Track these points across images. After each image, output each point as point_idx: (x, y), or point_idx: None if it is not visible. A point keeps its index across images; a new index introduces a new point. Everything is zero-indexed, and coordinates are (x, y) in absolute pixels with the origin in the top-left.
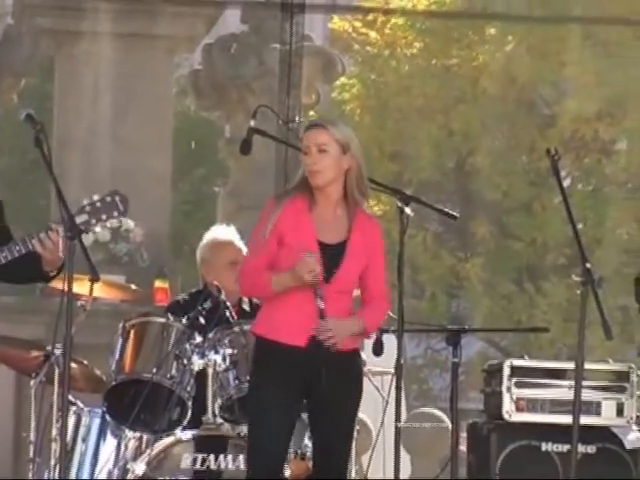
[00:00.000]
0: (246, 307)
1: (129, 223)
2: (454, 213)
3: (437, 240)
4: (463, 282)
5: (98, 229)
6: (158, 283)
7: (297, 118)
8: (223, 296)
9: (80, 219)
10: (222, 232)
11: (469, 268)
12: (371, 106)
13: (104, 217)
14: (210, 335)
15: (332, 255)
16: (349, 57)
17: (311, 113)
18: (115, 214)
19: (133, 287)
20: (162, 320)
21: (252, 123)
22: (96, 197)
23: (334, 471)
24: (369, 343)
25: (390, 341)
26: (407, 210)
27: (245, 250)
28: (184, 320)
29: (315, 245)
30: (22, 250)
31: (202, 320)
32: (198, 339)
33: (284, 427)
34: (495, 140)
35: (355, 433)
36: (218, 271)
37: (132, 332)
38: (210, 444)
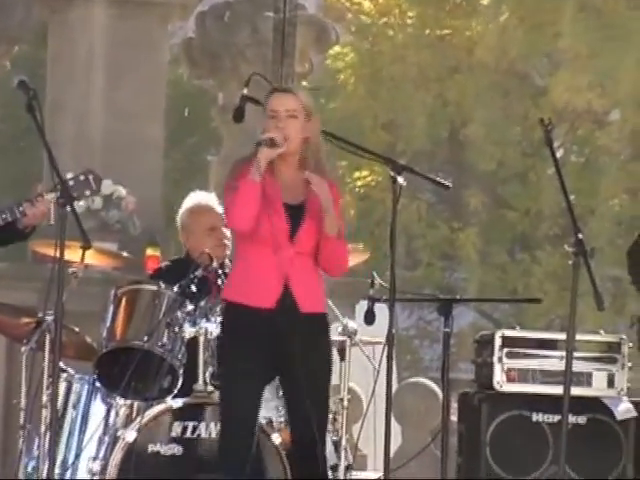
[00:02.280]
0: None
1: (121, 190)
2: (447, 183)
3: (431, 210)
4: (457, 252)
5: (68, 209)
6: (150, 251)
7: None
8: (215, 264)
9: (51, 196)
10: (201, 198)
11: (463, 238)
12: (365, 75)
13: (75, 194)
14: (202, 303)
15: (294, 215)
16: (343, 26)
17: (304, 83)
18: (87, 193)
19: (125, 254)
20: (154, 288)
21: (245, 91)
22: (69, 175)
23: (311, 439)
24: (361, 312)
25: (382, 311)
26: (400, 179)
27: None
28: (175, 288)
29: (281, 207)
30: (8, 218)
31: (193, 288)
32: (189, 307)
33: (254, 391)
34: (489, 110)
35: (346, 402)
36: (197, 237)
37: (123, 300)
38: (201, 412)
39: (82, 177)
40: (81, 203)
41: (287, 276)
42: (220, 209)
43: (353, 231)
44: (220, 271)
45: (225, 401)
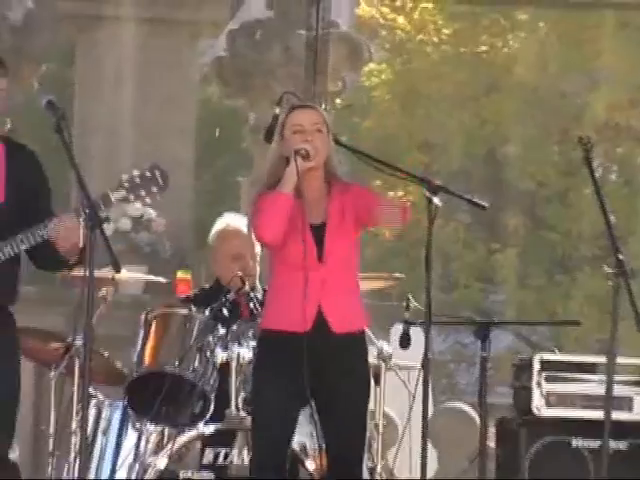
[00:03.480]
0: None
1: (150, 212)
2: (484, 203)
3: (468, 231)
4: (495, 274)
5: (138, 205)
6: (180, 274)
7: (323, 105)
8: (247, 287)
9: (118, 195)
10: (230, 221)
11: (501, 260)
12: (399, 93)
13: (143, 193)
14: (234, 327)
15: (318, 235)
16: (376, 43)
17: (338, 100)
18: (154, 189)
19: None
20: (184, 312)
21: (277, 110)
22: (136, 172)
23: (348, 464)
24: (396, 336)
25: (417, 334)
26: (435, 200)
27: (255, 244)
28: (207, 312)
29: (307, 228)
30: (32, 241)
31: (225, 312)
32: (221, 331)
33: (288, 416)
34: (527, 129)
35: (381, 428)
36: (222, 264)
37: (154, 324)
38: (233, 438)
39: (148, 173)
40: (147, 200)
41: (319, 298)
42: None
43: (388, 253)
44: (252, 294)
45: (258, 426)
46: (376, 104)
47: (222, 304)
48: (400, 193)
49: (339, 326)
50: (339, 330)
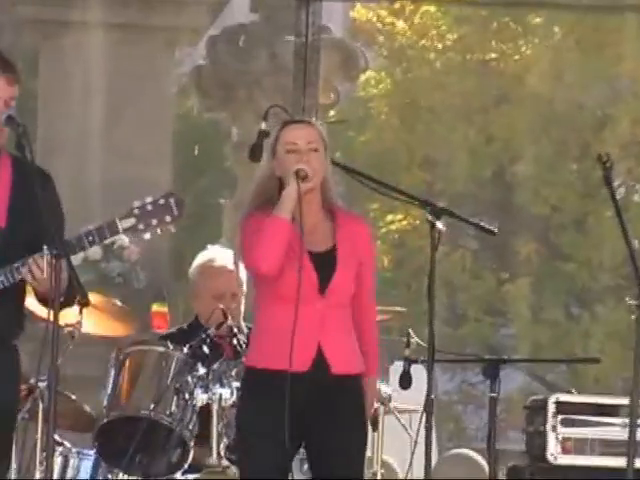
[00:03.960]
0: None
1: (123, 239)
2: (493, 228)
3: (476, 259)
4: (506, 307)
5: (147, 236)
6: (156, 307)
7: (314, 120)
8: (230, 321)
9: (126, 223)
10: (214, 256)
11: (513, 291)
12: (399, 105)
13: (154, 222)
14: (215, 366)
15: (322, 264)
16: (373, 50)
17: (331, 113)
18: (168, 219)
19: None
20: (160, 349)
21: (263, 126)
22: (149, 199)
23: None
24: (395, 375)
25: (419, 373)
26: (439, 224)
27: (242, 279)
28: (185, 349)
29: (306, 257)
30: (6, 282)
31: (205, 349)
32: (201, 371)
33: (278, 464)
34: (541, 146)
35: (379, 477)
36: (204, 302)
37: (127, 362)
38: None
39: (162, 201)
40: (158, 231)
41: (318, 335)
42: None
43: (387, 283)
44: (236, 329)
45: (244, 475)
46: (373, 117)
47: (202, 340)
48: (400, 216)
49: (338, 366)
50: (337, 370)
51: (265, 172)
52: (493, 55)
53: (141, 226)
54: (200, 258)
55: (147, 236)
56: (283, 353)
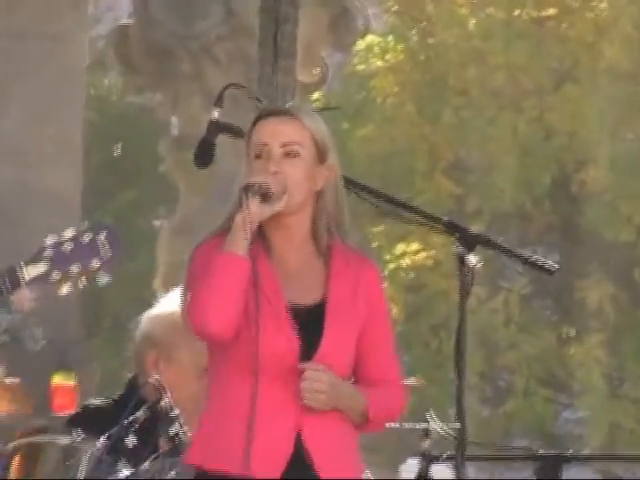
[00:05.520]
0: None
1: None
2: (551, 264)
3: (526, 307)
4: (571, 375)
5: (65, 290)
6: (58, 379)
7: (299, 107)
8: (168, 399)
9: (34, 271)
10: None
11: (581, 353)
12: (416, 85)
13: (76, 269)
14: (145, 465)
15: (308, 323)
16: (377, 4)
17: (315, 96)
18: (96, 264)
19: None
20: (64, 441)
21: (216, 114)
22: (69, 233)
23: None
24: (410, 477)
25: (443, 474)
26: (471, 258)
27: None
28: (102, 439)
29: (284, 310)
30: None
31: (132, 439)
32: (125, 472)
33: None
34: (620, 143)
35: None
36: (181, 369)
37: (17, 460)
38: None
39: (87, 237)
40: (82, 282)
41: (299, 423)
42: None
43: (396, 341)
44: (176, 412)
45: None
46: (377, 102)
47: (126, 428)
48: (415, 246)
49: (327, 468)
50: (324, 474)
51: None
52: (552, 11)
53: (56, 275)
54: (154, 312)
55: (65, 290)
56: (241, 451)
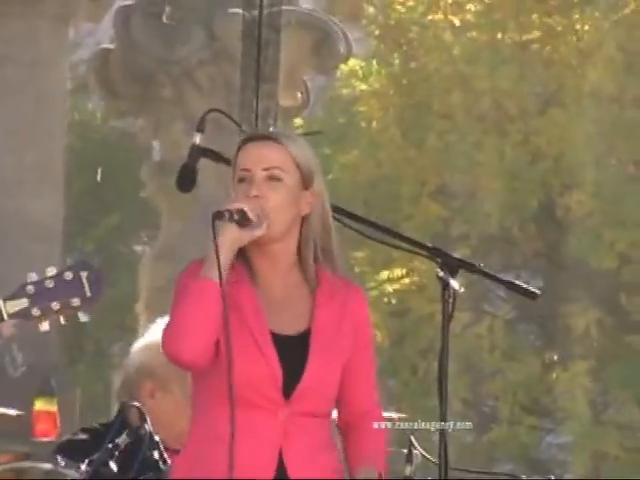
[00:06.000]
0: None
1: None
2: (534, 290)
3: (510, 332)
4: (556, 402)
5: (45, 327)
6: (40, 405)
7: (271, 129)
8: (149, 426)
9: (14, 307)
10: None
11: (566, 379)
12: (399, 109)
13: (56, 306)
14: None
15: (292, 352)
16: (360, 28)
17: (297, 121)
18: (76, 302)
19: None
20: (46, 466)
21: (197, 139)
22: (51, 271)
23: None
24: None
25: None
26: (454, 283)
27: None
28: (83, 467)
29: (268, 339)
30: None
31: (112, 466)
32: None
33: None
34: (605, 169)
35: None
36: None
37: None
38: None
39: (69, 275)
40: (61, 320)
41: (280, 450)
42: None
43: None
44: (158, 437)
45: None
46: (360, 126)
47: (109, 452)
48: (399, 272)
49: None
50: None
51: None
52: (536, 34)
53: (36, 311)
54: (145, 340)
55: (45, 327)
56: (224, 474)
